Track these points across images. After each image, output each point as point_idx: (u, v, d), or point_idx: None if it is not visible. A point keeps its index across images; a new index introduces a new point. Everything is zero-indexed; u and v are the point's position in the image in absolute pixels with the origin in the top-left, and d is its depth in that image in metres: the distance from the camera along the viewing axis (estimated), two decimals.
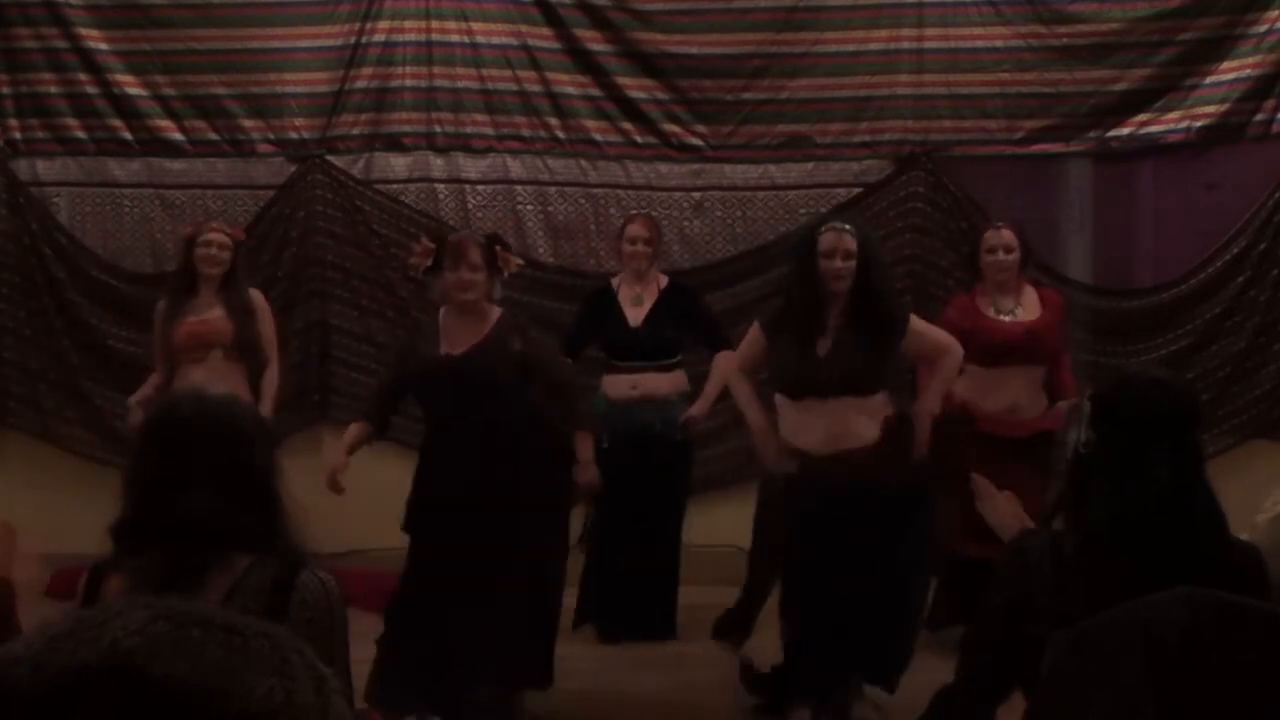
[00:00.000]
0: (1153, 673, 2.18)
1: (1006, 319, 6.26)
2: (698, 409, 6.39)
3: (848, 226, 5.15)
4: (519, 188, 7.78)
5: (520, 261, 5.67)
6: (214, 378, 5.86)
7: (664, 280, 6.65)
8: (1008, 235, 6.35)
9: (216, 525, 2.52)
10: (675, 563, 6.47)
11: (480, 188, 7.78)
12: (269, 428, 2.72)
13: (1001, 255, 6.29)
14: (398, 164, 7.79)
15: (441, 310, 5.43)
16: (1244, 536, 2.93)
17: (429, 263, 5.39)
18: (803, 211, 7.63)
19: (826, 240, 5.04)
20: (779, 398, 5.18)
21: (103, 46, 7.73)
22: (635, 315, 6.49)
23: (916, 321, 5.25)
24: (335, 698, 0.89)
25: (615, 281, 6.65)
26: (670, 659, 6.18)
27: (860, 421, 5.02)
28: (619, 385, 6.42)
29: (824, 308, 5.04)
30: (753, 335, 5.26)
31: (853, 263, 5.02)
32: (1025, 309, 6.32)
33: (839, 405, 5.01)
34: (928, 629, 6.03)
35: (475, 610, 5.02)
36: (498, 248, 5.41)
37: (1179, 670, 2.18)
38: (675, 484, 6.50)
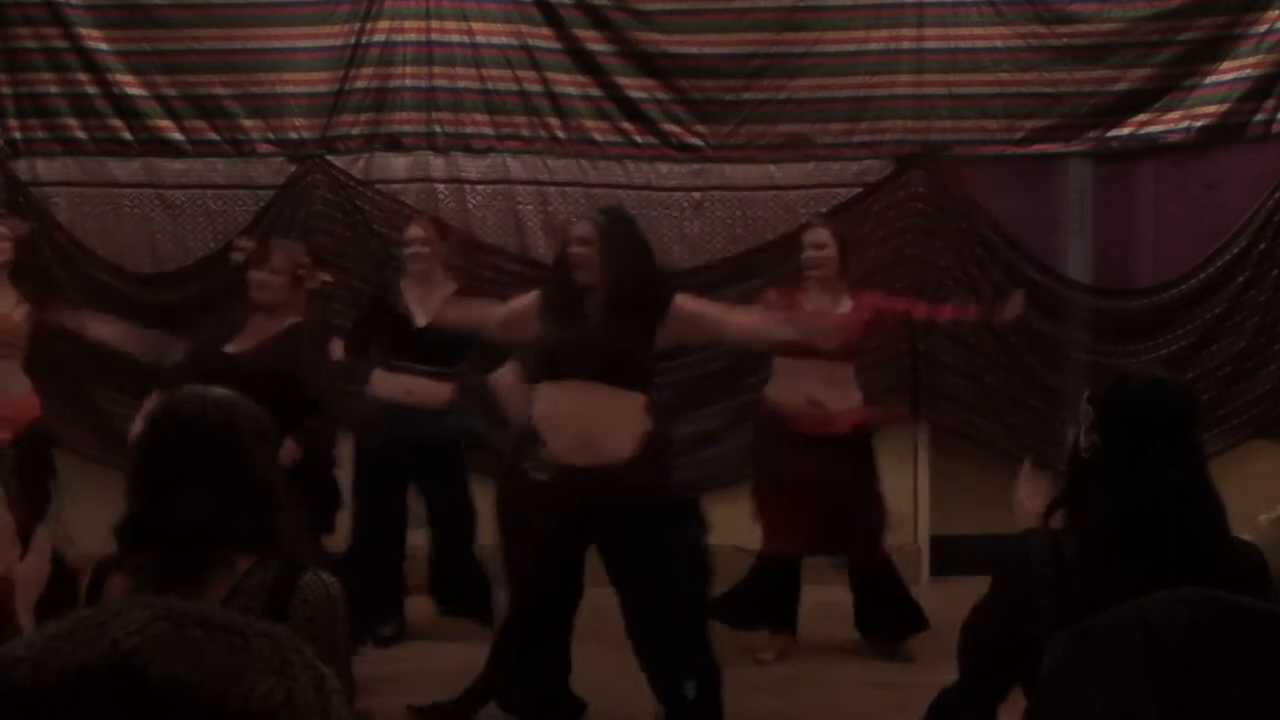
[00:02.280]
0: (1153, 673, 2.18)
1: (819, 308, 6.27)
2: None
3: (596, 215, 5.23)
4: (519, 188, 7.77)
5: (327, 278, 5.78)
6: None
7: (452, 288, 6.54)
8: (823, 233, 6.38)
9: (218, 526, 2.52)
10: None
11: (480, 188, 7.78)
12: (271, 428, 2.71)
13: (812, 252, 6.31)
14: (398, 164, 7.79)
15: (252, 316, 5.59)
16: (1246, 536, 2.93)
17: (242, 260, 5.58)
18: (803, 211, 7.64)
19: (571, 230, 5.18)
20: (537, 385, 5.14)
21: (103, 46, 7.73)
22: (421, 316, 6.41)
23: (684, 301, 5.11)
24: (335, 697, 0.89)
25: (405, 282, 6.57)
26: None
27: (615, 424, 4.93)
28: (393, 387, 6.40)
29: (578, 295, 5.02)
30: (529, 301, 5.22)
31: (590, 249, 4.99)
32: (842, 307, 6.33)
33: (594, 394, 4.91)
34: (730, 626, 6.10)
35: None
36: (306, 259, 5.58)
37: (1179, 670, 2.18)
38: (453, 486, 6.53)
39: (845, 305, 6.33)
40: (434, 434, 6.31)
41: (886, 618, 6.41)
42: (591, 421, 4.88)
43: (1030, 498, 3.06)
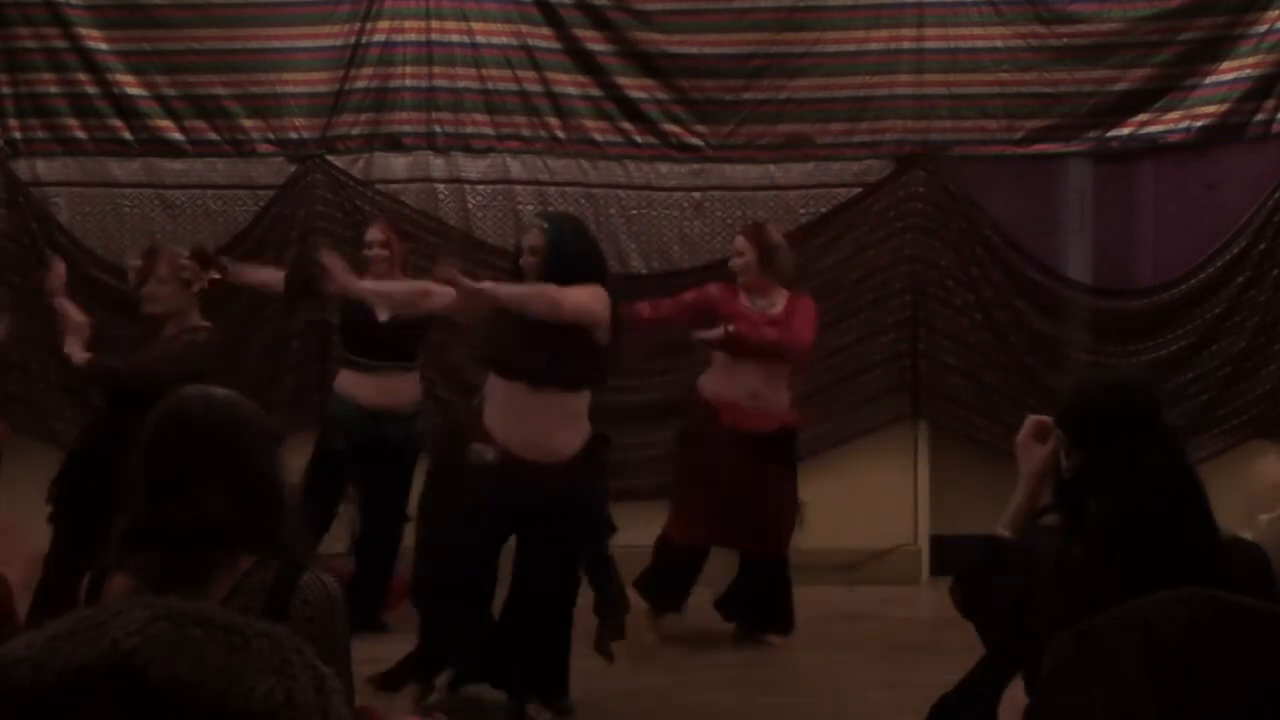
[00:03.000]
0: (1153, 673, 2.18)
1: (758, 308, 6.33)
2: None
3: (542, 221, 5.32)
4: (519, 188, 7.77)
5: (216, 275, 5.77)
6: None
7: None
8: (739, 240, 6.47)
9: (219, 525, 2.52)
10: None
11: (480, 188, 7.78)
12: (273, 429, 2.71)
13: (734, 259, 6.39)
14: (398, 164, 7.79)
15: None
16: (1247, 535, 2.94)
17: (138, 278, 5.57)
18: (803, 211, 7.65)
19: (523, 237, 5.29)
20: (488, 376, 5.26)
21: (103, 46, 7.73)
22: (383, 312, 6.45)
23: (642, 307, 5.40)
24: (335, 697, 0.89)
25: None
26: (668, 659, 6.20)
27: (563, 424, 5.08)
28: (367, 389, 6.45)
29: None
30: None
31: (537, 259, 5.11)
32: (775, 306, 6.38)
33: (545, 396, 5.05)
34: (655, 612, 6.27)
35: None
36: (185, 260, 5.56)
37: (1179, 670, 2.18)
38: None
39: (778, 306, 6.37)
40: (403, 435, 6.40)
41: (761, 612, 6.48)
42: (542, 422, 5.05)
43: (1026, 454, 3.03)
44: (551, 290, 5.02)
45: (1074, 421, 2.78)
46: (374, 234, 6.67)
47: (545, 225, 5.23)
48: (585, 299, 5.04)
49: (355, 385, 6.48)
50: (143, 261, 5.63)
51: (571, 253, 5.14)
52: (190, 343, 5.48)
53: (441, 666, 5.31)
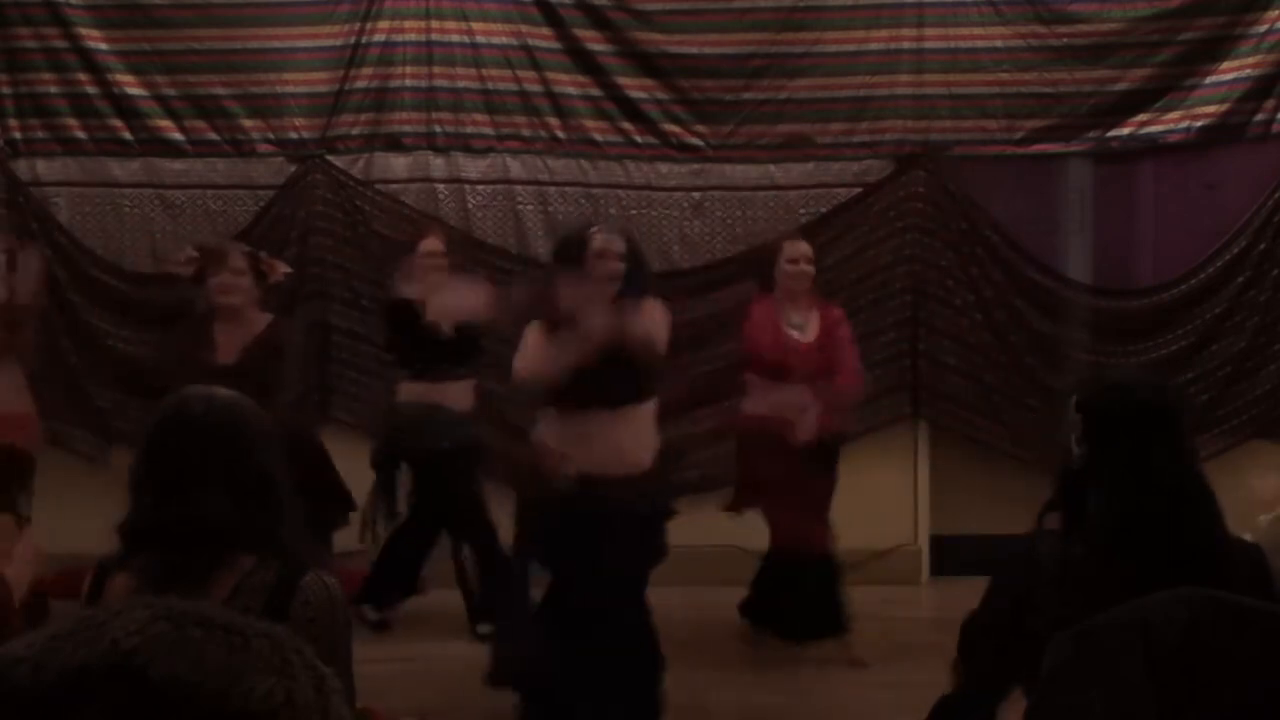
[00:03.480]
0: (1153, 673, 2.18)
1: (796, 334, 6.27)
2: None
3: (616, 229, 5.23)
4: (519, 188, 7.77)
5: (287, 268, 5.75)
6: None
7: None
8: (805, 246, 6.39)
9: (221, 525, 2.52)
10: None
11: (480, 188, 7.78)
12: (274, 428, 2.71)
13: (804, 265, 6.32)
14: (398, 164, 7.79)
15: (214, 324, 5.54)
16: (1246, 536, 2.94)
17: (192, 271, 5.49)
18: (803, 211, 7.65)
19: (599, 241, 5.04)
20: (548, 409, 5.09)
21: (103, 46, 7.73)
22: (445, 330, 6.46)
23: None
24: (335, 697, 0.89)
25: (415, 289, 6.58)
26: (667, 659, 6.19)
27: (638, 439, 5.01)
28: (425, 394, 6.47)
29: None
30: (538, 334, 5.07)
31: (621, 266, 5.03)
32: (810, 324, 6.32)
33: (619, 414, 4.96)
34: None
35: None
36: (262, 254, 5.53)
37: (1179, 670, 2.18)
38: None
39: (811, 323, 6.32)
40: (462, 438, 6.42)
41: (812, 616, 6.36)
42: (618, 439, 4.96)
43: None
44: (658, 328, 5.02)
45: (1089, 412, 2.77)
46: (431, 244, 6.66)
47: (620, 234, 5.14)
48: (665, 324, 5.07)
49: (415, 393, 6.49)
50: (200, 255, 5.56)
51: (647, 265, 5.17)
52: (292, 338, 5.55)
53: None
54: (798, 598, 6.28)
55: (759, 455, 6.24)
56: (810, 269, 6.34)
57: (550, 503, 4.99)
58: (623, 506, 4.93)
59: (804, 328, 6.30)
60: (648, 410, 5.08)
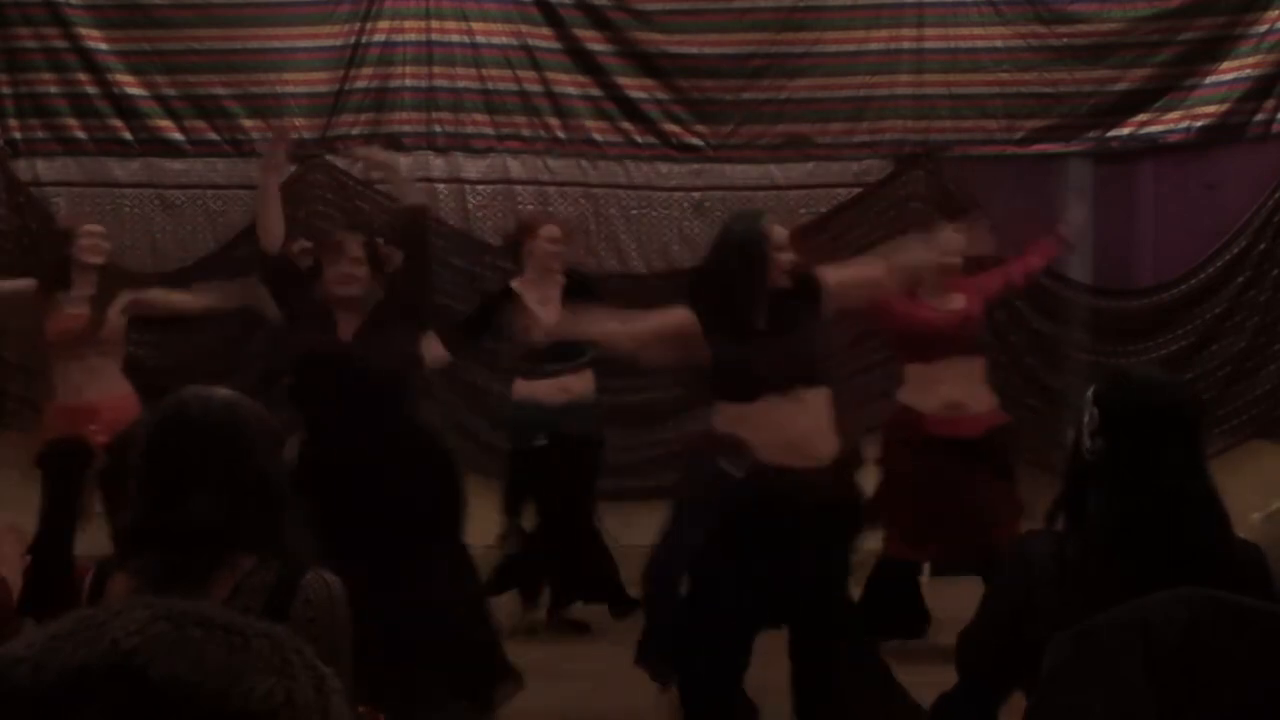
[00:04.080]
0: (1153, 673, 2.18)
1: (937, 306, 6.16)
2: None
3: (767, 216, 5.12)
4: (519, 188, 7.78)
5: (402, 255, 5.69)
6: (82, 378, 5.99)
7: (562, 279, 6.53)
8: (958, 239, 6.30)
9: (221, 526, 2.52)
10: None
11: (480, 188, 7.78)
12: (274, 428, 2.71)
13: (948, 255, 6.20)
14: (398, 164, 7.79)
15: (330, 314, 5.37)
16: (1242, 535, 2.93)
17: (309, 262, 5.40)
18: (803, 211, 7.64)
19: (778, 234, 4.85)
20: (720, 402, 4.85)
21: (103, 46, 7.73)
22: (547, 316, 6.33)
23: (825, 273, 4.92)
24: (335, 697, 0.89)
25: (517, 283, 6.51)
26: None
27: (819, 427, 4.74)
28: (546, 389, 6.42)
29: (748, 306, 4.74)
30: (686, 314, 4.80)
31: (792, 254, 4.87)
32: (954, 299, 6.22)
33: (796, 400, 4.70)
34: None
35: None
36: (379, 241, 5.40)
37: (1179, 670, 2.18)
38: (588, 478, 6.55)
39: (957, 301, 6.19)
40: (586, 427, 6.40)
41: (893, 615, 6.19)
42: (798, 426, 4.66)
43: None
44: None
45: (1105, 407, 2.76)
46: (551, 230, 6.54)
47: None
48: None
49: (532, 389, 6.45)
50: (316, 245, 5.46)
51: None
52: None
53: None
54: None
55: (908, 454, 6.02)
56: (959, 261, 6.20)
57: (728, 497, 4.68)
58: (800, 504, 4.60)
59: (947, 303, 6.15)
60: (824, 393, 4.77)
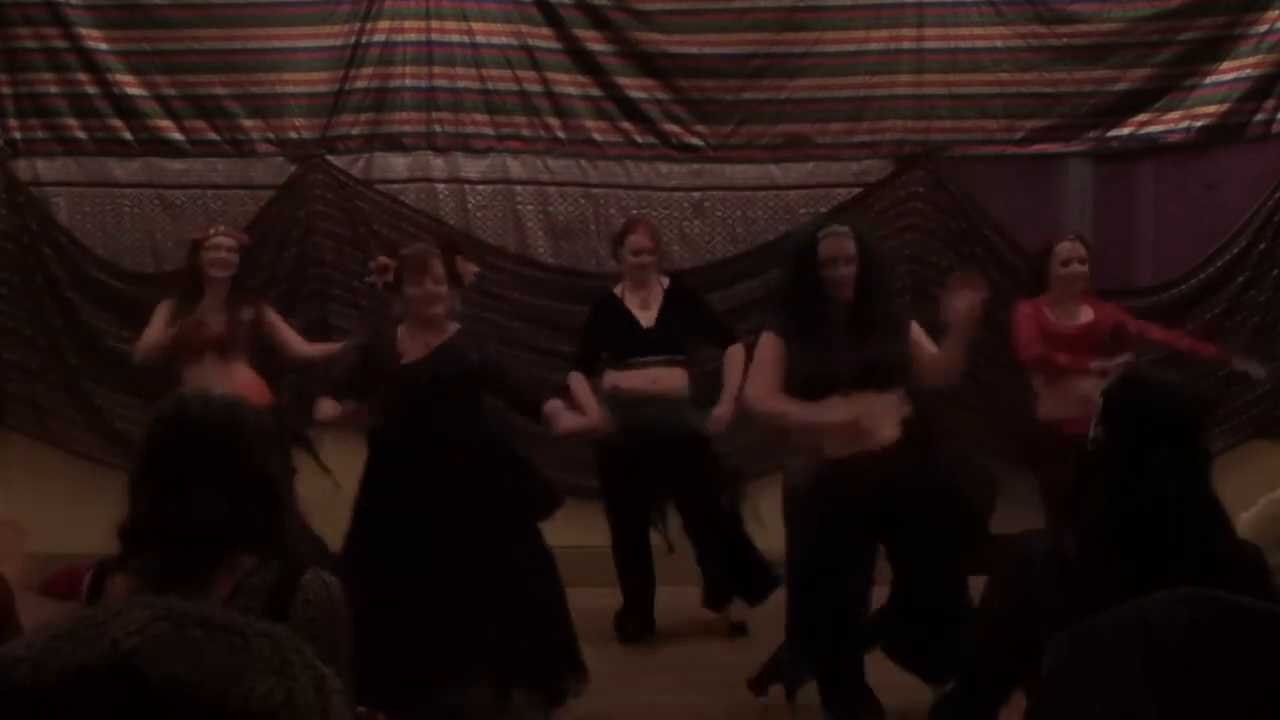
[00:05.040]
0: (1153, 673, 2.18)
1: (1069, 318, 6.41)
2: (725, 408, 6.33)
3: (845, 229, 5.12)
4: (519, 188, 7.77)
5: (477, 267, 5.68)
6: (214, 380, 5.90)
7: (666, 281, 6.64)
8: (1081, 248, 6.47)
9: (221, 526, 2.53)
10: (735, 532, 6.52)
11: (480, 188, 7.78)
12: (274, 428, 2.71)
13: (1076, 267, 6.39)
14: (398, 164, 7.79)
15: (399, 327, 5.35)
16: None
17: (389, 278, 5.35)
18: (803, 211, 7.64)
19: (826, 248, 5.00)
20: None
21: (103, 46, 7.73)
22: (646, 318, 6.48)
23: (916, 330, 5.26)
24: (335, 697, 0.90)
25: (619, 289, 6.60)
26: (678, 659, 6.21)
27: (882, 419, 4.97)
28: (634, 379, 6.39)
29: (829, 312, 5.01)
30: (771, 349, 5.09)
31: (854, 268, 5.00)
32: (1083, 312, 6.46)
33: (860, 401, 4.94)
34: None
35: (450, 621, 4.93)
36: (458, 256, 5.39)
37: (1179, 670, 2.18)
38: (705, 471, 6.51)
39: (1087, 315, 6.41)
40: (679, 421, 6.35)
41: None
42: (863, 420, 4.92)
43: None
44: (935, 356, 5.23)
45: (1113, 398, 2.76)
46: (641, 240, 6.56)
47: (851, 232, 5.09)
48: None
49: (622, 380, 6.40)
50: (400, 261, 5.37)
51: (883, 264, 5.25)
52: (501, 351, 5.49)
53: (806, 677, 5.17)
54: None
55: (1055, 460, 6.09)
56: (1085, 269, 6.38)
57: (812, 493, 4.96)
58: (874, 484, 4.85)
59: (1075, 316, 6.40)
60: (890, 399, 5.02)
